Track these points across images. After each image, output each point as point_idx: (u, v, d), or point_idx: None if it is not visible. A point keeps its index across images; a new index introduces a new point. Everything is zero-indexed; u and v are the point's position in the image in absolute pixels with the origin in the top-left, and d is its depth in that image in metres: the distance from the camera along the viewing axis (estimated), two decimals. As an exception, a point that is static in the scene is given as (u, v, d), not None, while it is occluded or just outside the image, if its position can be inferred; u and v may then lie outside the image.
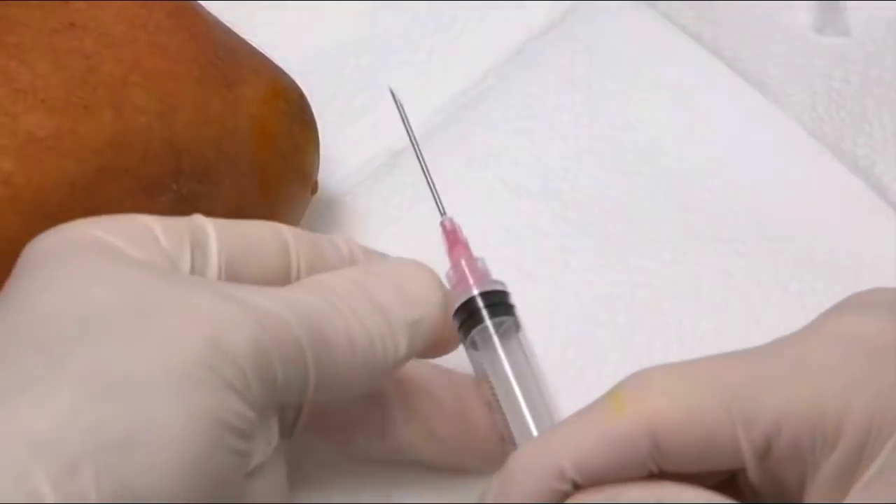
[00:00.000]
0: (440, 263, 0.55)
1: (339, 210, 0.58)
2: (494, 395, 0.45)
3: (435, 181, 0.58)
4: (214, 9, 0.53)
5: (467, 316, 0.46)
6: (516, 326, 0.46)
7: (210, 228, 0.42)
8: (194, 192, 0.48)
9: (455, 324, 0.46)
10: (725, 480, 0.42)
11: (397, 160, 0.59)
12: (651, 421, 0.39)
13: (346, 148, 0.60)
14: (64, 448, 0.34)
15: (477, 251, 0.56)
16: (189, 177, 0.48)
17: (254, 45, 0.53)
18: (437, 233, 0.54)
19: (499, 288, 0.47)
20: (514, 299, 0.47)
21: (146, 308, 0.38)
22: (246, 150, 0.50)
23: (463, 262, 0.47)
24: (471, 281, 0.47)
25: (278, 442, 0.41)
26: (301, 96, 0.53)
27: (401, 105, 0.50)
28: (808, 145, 0.59)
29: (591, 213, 0.57)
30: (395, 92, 0.51)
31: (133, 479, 0.35)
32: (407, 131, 0.50)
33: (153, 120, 0.47)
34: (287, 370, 0.39)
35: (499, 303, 0.46)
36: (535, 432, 0.44)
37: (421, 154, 0.50)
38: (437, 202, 0.49)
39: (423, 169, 0.49)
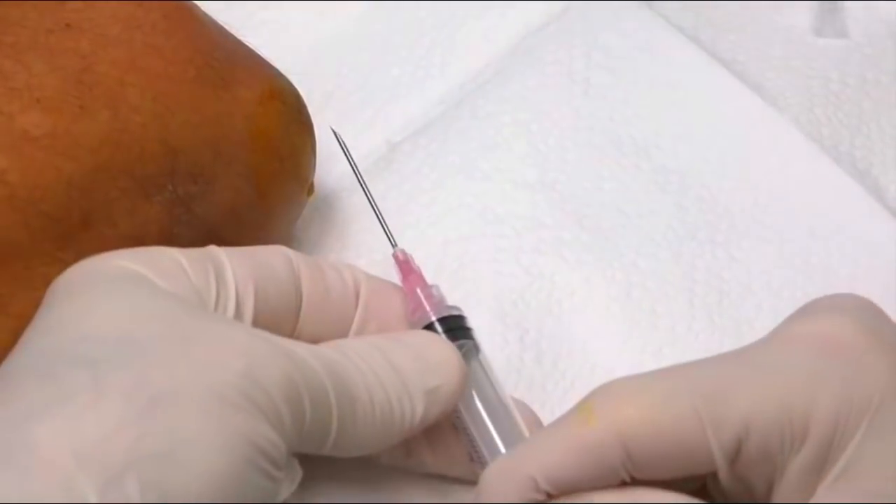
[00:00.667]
0: (433, 257, 0.56)
1: (335, 206, 0.58)
2: (459, 415, 0.46)
3: (433, 172, 0.58)
4: (213, 9, 0.53)
5: None
6: (476, 349, 0.47)
7: (224, 258, 0.43)
8: (190, 193, 0.48)
9: None
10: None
11: (394, 155, 0.59)
12: (622, 431, 0.40)
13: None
14: (110, 458, 0.35)
15: (474, 241, 0.56)
16: (185, 177, 0.48)
17: (252, 44, 0.53)
18: (425, 224, 0.56)
19: (455, 313, 0.48)
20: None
21: (184, 336, 0.39)
22: (242, 151, 0.50)
23: (418, 291, 0.48)
24: (427, 307, 0.47)
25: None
26: (298, 98, 0.53)
27: (343, 143, 0.51)
28: (805, 147, 0.59)
29: (588, 206, 0.57)
30: (336, 131, 0.52)
31: (174, 492, 0.36)
32: (353, 169, 0.51)
33: (149, 120, 0.47)
34: (314, 411, 0.40)
35: (457, 327, 0.47)
36: (503, 450, 0.45)
37: (369, 191, 0.51)
38: (387, 235, 0.50)
39: (371, 205, 0.51)
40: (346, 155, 0.51)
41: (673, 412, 0.40)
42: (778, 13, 0.63)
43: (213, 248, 0.44)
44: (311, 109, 0.54)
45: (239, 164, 0.50)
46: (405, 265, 0.49)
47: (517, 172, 0.58)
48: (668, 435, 0.40)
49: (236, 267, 0.43)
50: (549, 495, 0.41)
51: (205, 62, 0.49)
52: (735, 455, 0.40)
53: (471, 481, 0.46)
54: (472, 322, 0.50)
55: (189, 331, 0.39)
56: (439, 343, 0.45)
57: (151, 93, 0.48)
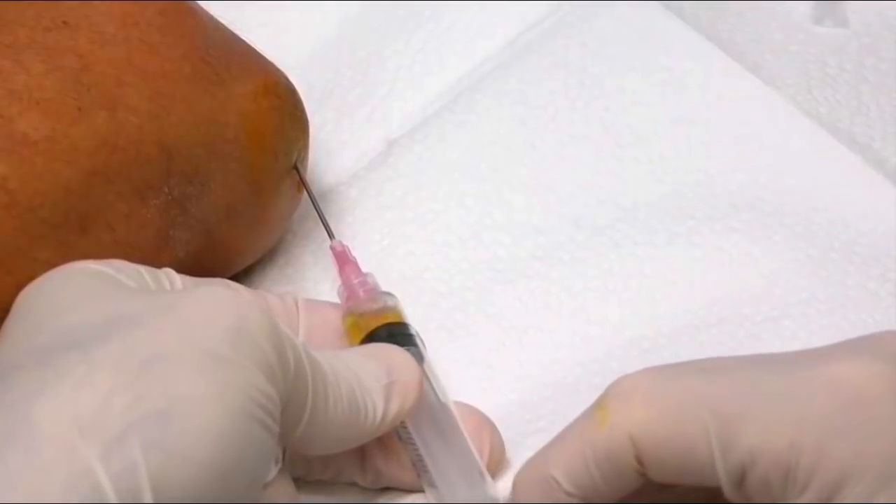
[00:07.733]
0: (428, 254, 0.56)
1: (334, 199, 0.58)
2: (404, 427, 0.46)
3: (430, 167, 0.58)
4: (214, 8, 0.53)
5: None
6: (419, 357, 0.48)
7: (174, 274, 0.45)
8: (185, 193, 0.48)
9: None
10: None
11: (391, 150, 0.60)
12: (633, 434, 0.40)
13: (342, 140, 0.60)
14: (108, 423, 0.36)
15: (470, 242, 0.56)
16: (180, 178, 0.48)
17: (252, 43, 0.53)
18: (423, 222, 0.57)
19: (391, 302, 0.49)
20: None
21: (167, 305, 0.40)
22: (236, 148, 0.50)
23: (353, 279, 0.50)
24: (360, 294, 0.50)
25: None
26: (293, 92, 0.53)
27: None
28: (804, 123, 0.59)
29: (585, 206, 0.57)
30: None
31: (177, 448, 0.36)
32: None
33: (145, 121, 0.47)
34: (297, 370, 0.41)
35: (399, 333, 0.48)
36: (453, 465, 0.46)
37: (315, 198, 0.54)
38: (326, 228, 0.53)
39: (312, 200, 0.53)
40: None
41: (684, 425, 0.40)
42: (777, 1, 0.63)
43: (166, 269, 0.45)
44: (310, 106, 0.54)
45: (234, 162, 0.50)
46: (342, 256, 0.52)
47: (513, 173, 0.58)
48: (677, 446, 0.40)
49: (186, 281, 0.45)
50: (572, 495, 0.42)
51: (200, 58, 0.49)
52: (740, 479, 0.40)
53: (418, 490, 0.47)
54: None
55: (170, 300, 0.40)
56: (393, 347, 0.47)
57: (148, 92, 0.47)
